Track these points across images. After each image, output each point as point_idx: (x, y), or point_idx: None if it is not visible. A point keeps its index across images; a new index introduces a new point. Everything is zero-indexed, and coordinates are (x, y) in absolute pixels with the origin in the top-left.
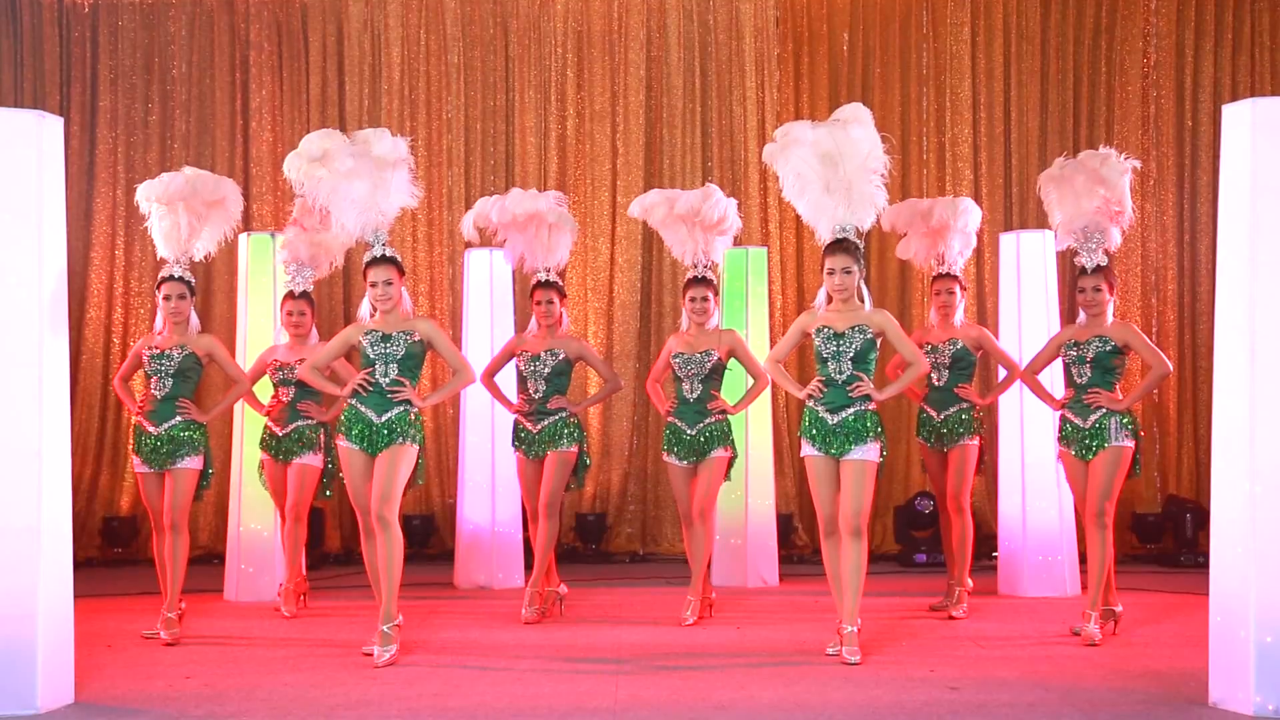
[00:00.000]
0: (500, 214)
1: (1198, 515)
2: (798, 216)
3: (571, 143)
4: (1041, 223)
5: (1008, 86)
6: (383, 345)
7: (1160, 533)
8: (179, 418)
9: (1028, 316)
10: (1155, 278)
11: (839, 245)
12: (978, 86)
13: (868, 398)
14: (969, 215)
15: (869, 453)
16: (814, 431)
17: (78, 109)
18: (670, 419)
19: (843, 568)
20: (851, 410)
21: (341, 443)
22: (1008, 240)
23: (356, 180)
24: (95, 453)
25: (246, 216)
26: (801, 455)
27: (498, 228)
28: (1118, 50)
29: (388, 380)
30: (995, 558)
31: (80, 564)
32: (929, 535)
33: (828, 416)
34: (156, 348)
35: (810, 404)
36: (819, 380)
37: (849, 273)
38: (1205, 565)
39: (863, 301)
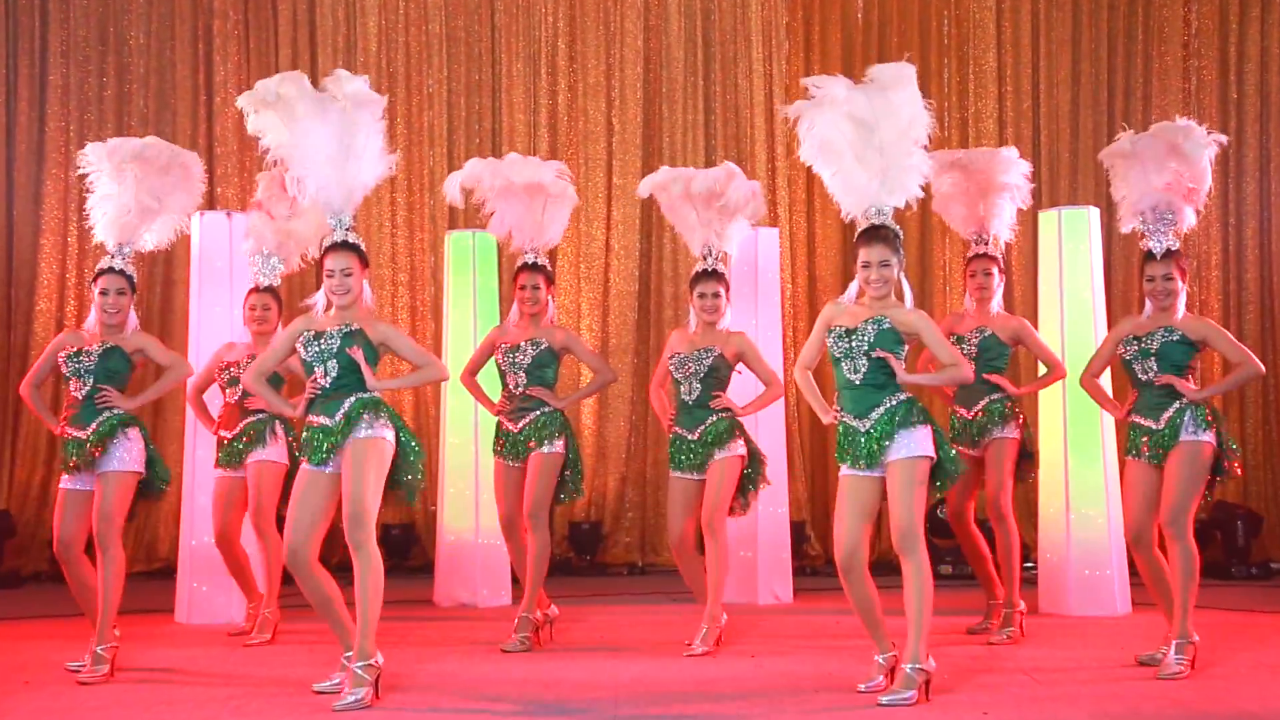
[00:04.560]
0: (496, 179)
1: (1249, 522)
2: (809, 198)
3: (563, 119)
4: (1075, 202)
5: (1036, 57)
6: (316, 344)
7: (1207, 541)
8: (107, 413)
9: (1071, 304)
10: (1197, 263)
11: (875, 234)
12: (1004, 57)
13: (897, 387)
14: (1014, 165)
15: (916, 444)
16: (847, 447)
17: (26, 84)
18: (673, 429)
19: (905, 593)
20: (882, 408)
21: (302, 465)
22: (1048, 218)
23: (322, 136)
24: (45, 456)
25: (210, 200)
26: (840, 475)
27: (488, 195)
28: (1155, 17)
29: (330, 380)
30: (1029, 569)
31: (26, 579)
32: (955, 544)
33: (858, 425)
34: (75, 345)
35: (840, 417)
36: (838, 404)
37: (887, 265)
38: (1260, 577)
39: (901, 299)
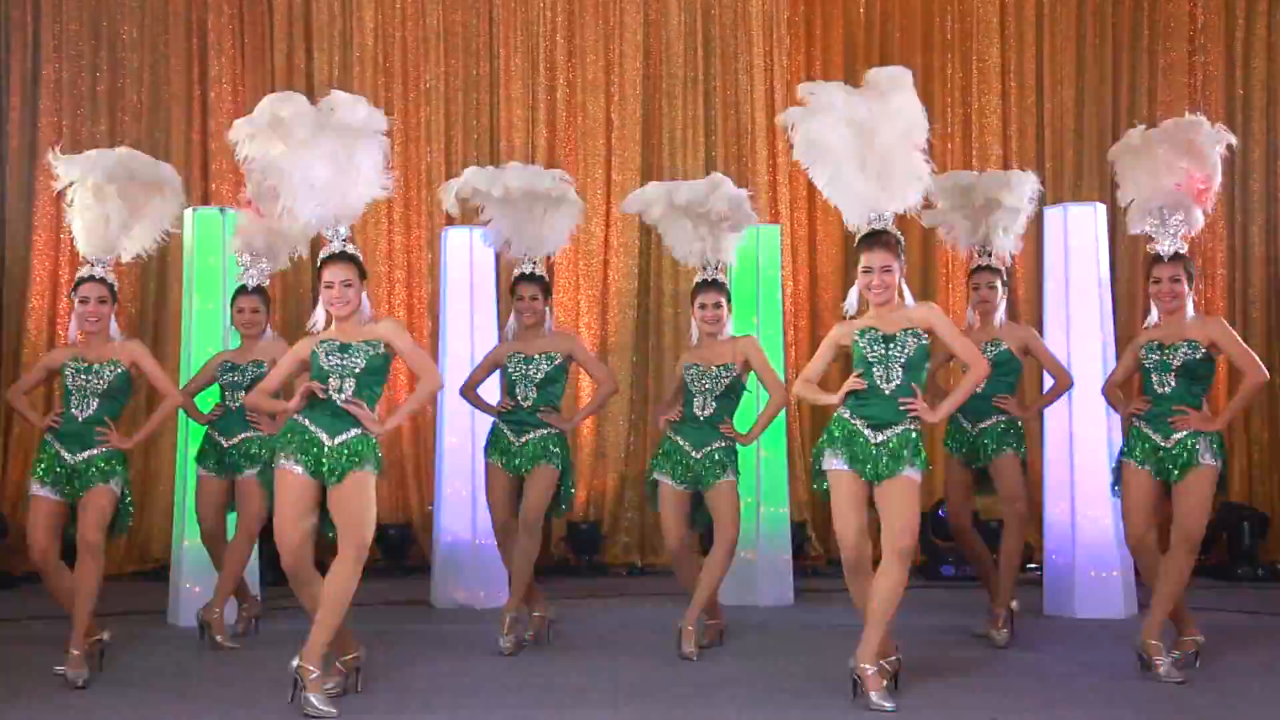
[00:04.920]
0: (494, 188)
1: (1255, 522)
2: (810, 195)
3: (562, 115)
4: (1079, 199)
5: (1040, 53)
6: (339, 356)
7: (1212, 543)
8: (100, 448)
9: (1077, 302)
10: (1203, 262)
11: (876, 239)
12: (1007, 53)
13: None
14: (1024, 188)
15: (912, 471)
16: (847, 445)
17: (18, 79)
18: (670, 434)
19: (875, 588)
20: (899, 428)
21: (281, 462)
22: (1053, 215)
23: (317, 160)
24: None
25: (205, 198)
26: (825, 469)
27: (486, 203)
28: (1161, 12)
29: (343, 397)
30: (1032, 569)
31: (19, 580)
32: (956, 545)
33: (869, 433)
34: (85, 360)
35: (846, 414)
36: (857, 377)
37: (889, 271)
38: (1266, 579)
39: (903, 299)
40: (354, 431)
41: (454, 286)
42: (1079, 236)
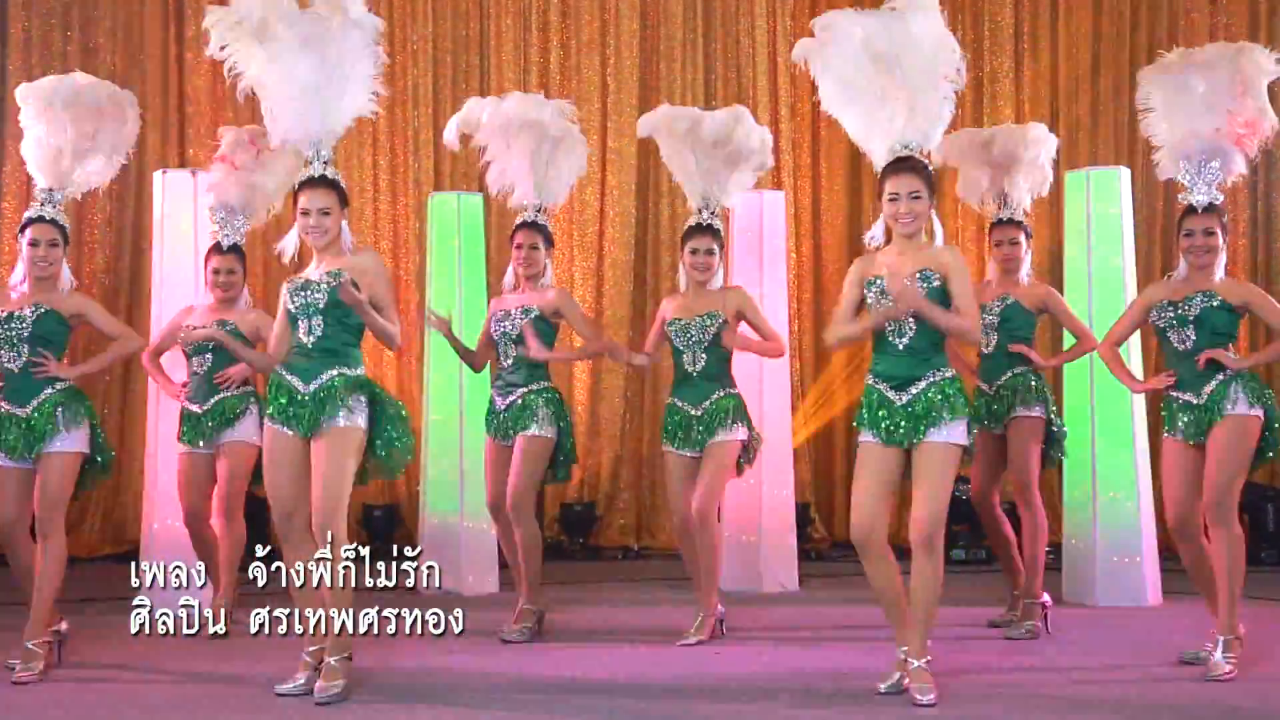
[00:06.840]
0: (494, 118)
1: (1279, 504)
2: (814, 162)
3: (556, 78)
4: (1095, 164)
5: (1055, 14)
6: (302, 295)
7: None
8: (50, 390)
9: (1100, 272)
10: None
11: (904, 164)
12: (1020, 13)
13: (943, 360)
14: (1042, 145)
15: (953, 433)
16: (877, 418)
17: None
18: (670, 399)
19: (914, 587)
20: (924, 383)
21: (267, 422)
22: (1075, 179)
23: (301, 61)
24: None
25: (181, 162)
26: (859, 442)
27: (488, 139)
28: None
29: (313, 339)
30: (1047, 553)
31: None
32: (967, 528)
33: (893, 395)
34: (3, 307)
35: (870, 381)
36: (872, 365)
37: (917, 197)
38: None
39: (931, 238)
40: (331, 373)
41: (440, 256)
42: (1103, 202)
